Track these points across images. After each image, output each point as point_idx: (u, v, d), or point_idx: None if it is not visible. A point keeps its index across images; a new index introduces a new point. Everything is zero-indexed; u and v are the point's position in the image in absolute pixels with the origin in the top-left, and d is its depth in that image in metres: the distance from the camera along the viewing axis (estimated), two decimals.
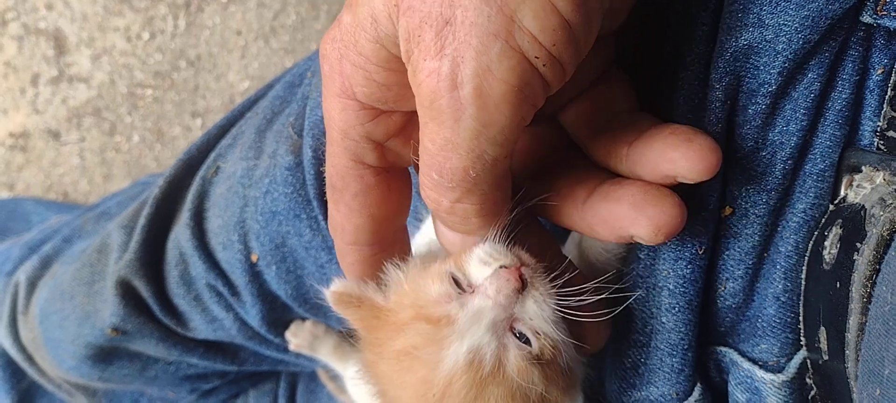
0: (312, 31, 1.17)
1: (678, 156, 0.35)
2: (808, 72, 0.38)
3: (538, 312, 0.37)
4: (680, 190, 0.37)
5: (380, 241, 0.40)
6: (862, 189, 0.39)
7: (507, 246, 0.38)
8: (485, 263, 0.38)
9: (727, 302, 0.43)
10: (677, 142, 0.36)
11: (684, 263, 0.41)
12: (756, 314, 0.43)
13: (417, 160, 0.34)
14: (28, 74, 1.16)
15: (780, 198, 0.40)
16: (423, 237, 0.54)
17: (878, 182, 0.38)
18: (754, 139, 0.39)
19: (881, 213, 0.36)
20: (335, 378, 0.74)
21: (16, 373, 0.83)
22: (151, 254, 0.66)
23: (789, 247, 0.41)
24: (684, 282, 0.41)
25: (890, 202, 0.37)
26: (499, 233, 0.38)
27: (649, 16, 0.41)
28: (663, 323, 0.43)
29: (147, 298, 0.65)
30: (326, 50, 0.35)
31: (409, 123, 0.37)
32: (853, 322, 0.36)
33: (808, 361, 0.42)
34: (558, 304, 0.37)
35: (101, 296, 0.67)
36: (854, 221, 0.38)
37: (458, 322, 0.37)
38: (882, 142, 0.39)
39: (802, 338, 0.42)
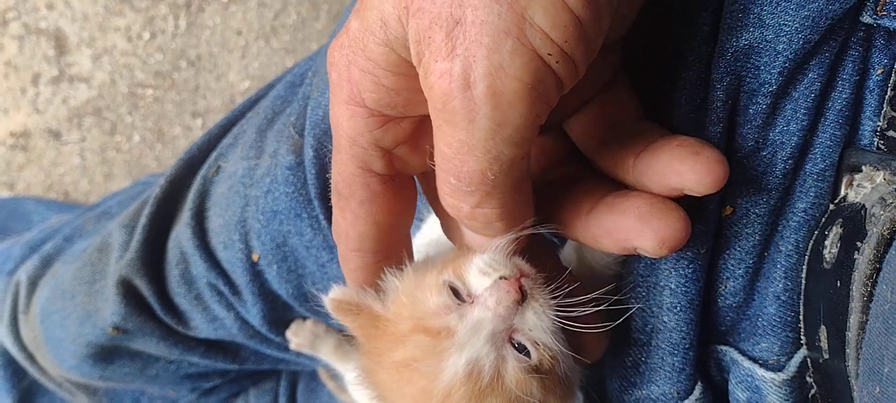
0: (313, 30, 1.17)
1: (685, 169, 0.35)
2: (808, 72, 0.38)
3: (538, 323, 0.37)
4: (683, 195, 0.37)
5: (384, 248, 0.40)
6: (862, 188, 0.39)
7: (507, 255, 0.38)
8: (484, 273, 0.38)
9: (728, 301, 0.43)
10: (685, 154, 0.36)
11: (686, 262, 0.41)
12: (756, 313, 0.43)
13: (432, 165, 0.34)
14: (29, 74, 1.16)
15: (781, 197, 0.41)
16: (423, 237, 0.55)
17: (878, 181, 0.38)
18: (755, 139, 0.39)
19: (882, 212, 0.36)
20: (335, 377, 0.74)
21: (17, 372, 0.83)
22: (152, 254, 0.66)
23: (790, 247, 0.41)
24: (686, 282, 0.42)
25: (890, 201, 0.37)
26: (500, 243, 0.38)
27: (654, 19, 0.41)
28: (665, 322, 0.43)
29: (148, 297, 0.65)
30: (335, 57, 0.35)
31: (417, 130, 0.37)
32: (854, 320, 0.36)
33: (809, 360, 0.42)
34: (558, 315, 0.37)
35: (102, 295, 0.67)
36: (854, 220, 0.38)
37: (457, 333, 0.37)
38: (882, 141, 0.39)
39: (803, 337, 0.42)
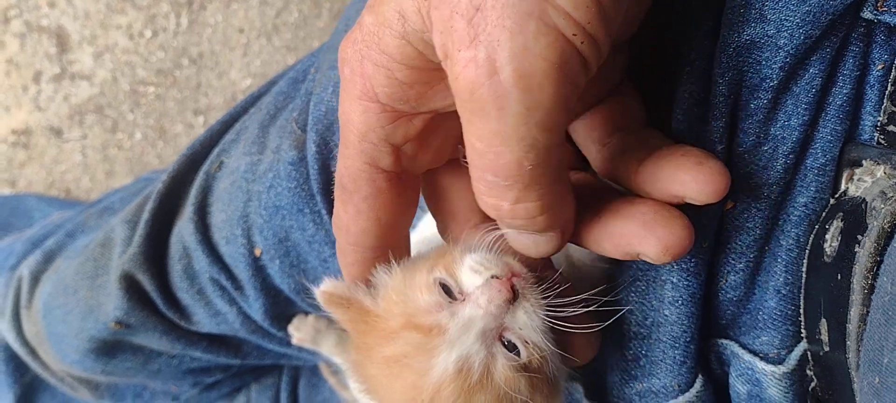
0: (314, 28, 1.18)
1: (689, 178, 0.36)
2: (809, 67, 0.38)
3: (528, 322, 0.38)
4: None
5: (382, 245, 0.40)
6: (863, 182, 0.39)
7: (498, 255, 0.38)
8: (476, 272, 0.38)
9: (728, 295, 0.43)
10: (688, 164, 0.36)
11: (687, 256, 0.41)
12: (757, 307, 0.43)
13: (465, 164, 0.34)
14: (30, 72, 1.16)
15: (782, 191, 0.41)
16: (418, 234, 0.55)
17: (878, 175, 0.39)
18: (756, 134, 0.40)
19: (882, 206, 0.37)
20: (337, 372, 0.74)
21: (19, 368, 0.83)
22: (155, 249, 0.66)
23: (790, 241, 0.42)
24: (687, 275, 0.42)
25: (891, 195, 0.37)
26: (491, 242, 0.38)
27: (659, 20, 0.41)
28: (666, 315, 0.43)
29: (150, 292, 0.66)
30: (347, 53, 0.35)
31: (427, 127, 0.37)
32: (854, 313, 0.36)
33: (809, 353, 0.42)
34: (548, 315, 0.38)
35: (104, 290, 0.67)
36: (855, 214, 0.38)
37: (448, 331, 0.37)
38: (882, 136, 0.40)
39: (803, 331, 0.42)
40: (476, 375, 0.37)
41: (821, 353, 0.41)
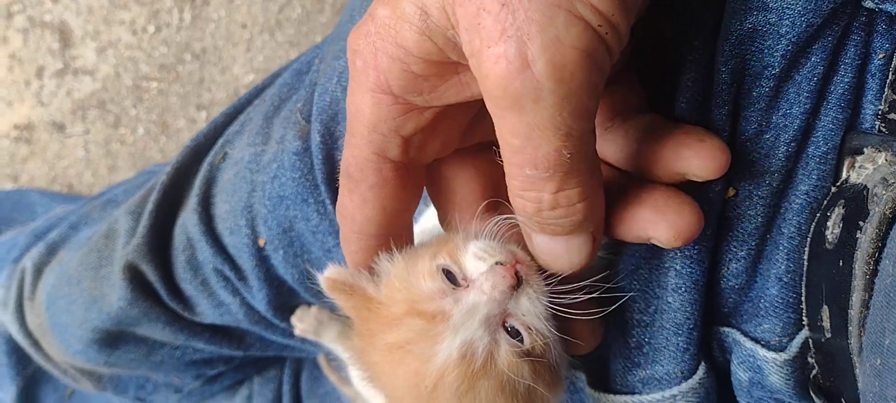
0: (317, 24, 1.18)
1: (691, 154, 0.37)
2: (811, 55, 0.39)
3: (531, 309, 0.38)
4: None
5: (386, 233, 0.40)
6: (864, 169, 0.40)
7: (503, 242, 0.39)
8: (480, 259, 0.38)
9: (730, 283, 0.44)
10: (690, 141, 0.37)
11: (691, 244, 0.42)
12: (759, 294, 0.43)
13: (500, 162, 0.34)
14: (33, 67, 1.17)
15: (783, 180, 0.41)
16: (420, 226, 0.55)
17: (880, 162, 0.39)
18: (758, 122, 0.40)
19: (884, 192, 0.37)
20: (338, 368, 0.75)
21: (22, 360, 0.83)
22: (159, 239, 0.66)
23: (792, 229, 0.42)
24: (691, 263, 0.42)
25: (892, 181, 0.37)
26: (494, 229, 0.38)
27: (660, 5, 0.41)
28: (669, 302, 0.43)
29: (154, 282, 0.66)
30: (359, 45, 0.35)
31: (436, 120, 0.37)
32: (856, 298, 0.37)
33: (810, 340, 0.42)
34: (551, 302, 0.38)
35: (108, 281, 0.68)
36: (856, 201, 0.39)
37: (452, 317, 0.37)
38: (883, 124, 0.40)
39: (805, 318, 0.42)
40: (479, 361, 0.37)
41: (822, 340, 0.41)
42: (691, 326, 0.43)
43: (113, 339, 0.70)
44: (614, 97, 0.41)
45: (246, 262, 0.62)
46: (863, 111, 0.41)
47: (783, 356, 0.43)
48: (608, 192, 0.37)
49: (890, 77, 0.40)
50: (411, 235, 0.43)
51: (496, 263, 0.38)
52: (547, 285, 0.38)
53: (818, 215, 0.41)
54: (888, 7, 0.38)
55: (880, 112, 0.40)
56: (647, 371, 0.45)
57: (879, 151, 0.39)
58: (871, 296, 0.35)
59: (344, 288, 0.42)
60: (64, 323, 0.72)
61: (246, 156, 0.62)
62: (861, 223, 0.37)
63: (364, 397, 0.68)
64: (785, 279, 0.42)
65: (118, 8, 1.17)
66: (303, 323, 0.67)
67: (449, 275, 0.39)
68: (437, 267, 0.39)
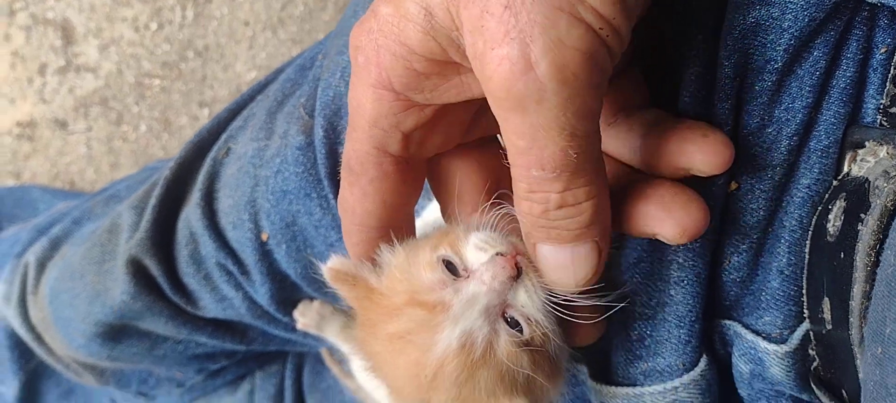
0: (320, 21, 1.18)
1: (694, 149, 0.37)
2: (813, 50, 0.39)
3: (530, 300, 0.38)
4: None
5: (387, 226, 0.40)
6: (866, 163, 0.40)
7: (503, 234, 0.39)
8: (481, 249, 0.38)
9: (732, 276, 0.44)
10: (693, 136, 0.37)
11: None
12: (760, 287, 0.44)
13: (507, 165, 0.34)
14: (35, 64, 1.17)
15: (785, 173, 0.41)
16: (421, 220, 0.55)
17: (881, 156, 0.39)
18: (760, 116, 0.40)
19: (885, 185, 0.37)
20: (340, 361, 0.75)
21: (24, 354, 0.84)
22: (162, 234, 0.67)
23: (793, 222, 0.42)
24: (693, 255, 0.42)
25: (893, 174, 0.38)
26: (495, 221, 0.39)
27: (661, 3, 0.42)
28: (671, 295, 0.43)
29: (157, 277, 0.66)
30: (361, 41, 0.35)
31: (437, 116, 0.38)
32: (857, 290, 0.37)
33: (811, 333, 0.43)
34: (549, 296, 0.38)
35: (111, 275, 0.68)
36: (858, 194, 0.39)
37: (452, 307, 0.38)
38: (885, 119, 0.40)
39: (806, 311, 0.43)
40: (479, 351, 0.37)
41: (823, 332, 0.41)
42: (693, 319, 0.44)
43: (116, 333, 0.70)
44: (618, 93, 0.41)
45: (249, 257, 0.62)
46: (864, 105, 0.41)
47: (784, 348, 0.43)
48: (613, 188, 0.38)
49: (891, 71, 0.40)
50: (412, 227, 0.43)
51: (497, 254, 0.38)
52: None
53: (820, 208, 0.41)
54: (890, 2, 0.38)
55: (882, 106, 0.40)
56: (649, 364, 0.45)
57: (881, 145, 0.39)
58: (872, 287, 0.36)
59: (346, 278, 0.42)
60: (67, 317, 0.72)
61: (249, 151, 0.62)
62: (862, 215, 0.38)
63: (366, 390, 0.69)
64: (786, 272, 0.43)
65: (120, 5, 1.17)
66: (305, 317, 0.67)
67: (450, 266, 0.39)
68: (437, 258, 0.39)
